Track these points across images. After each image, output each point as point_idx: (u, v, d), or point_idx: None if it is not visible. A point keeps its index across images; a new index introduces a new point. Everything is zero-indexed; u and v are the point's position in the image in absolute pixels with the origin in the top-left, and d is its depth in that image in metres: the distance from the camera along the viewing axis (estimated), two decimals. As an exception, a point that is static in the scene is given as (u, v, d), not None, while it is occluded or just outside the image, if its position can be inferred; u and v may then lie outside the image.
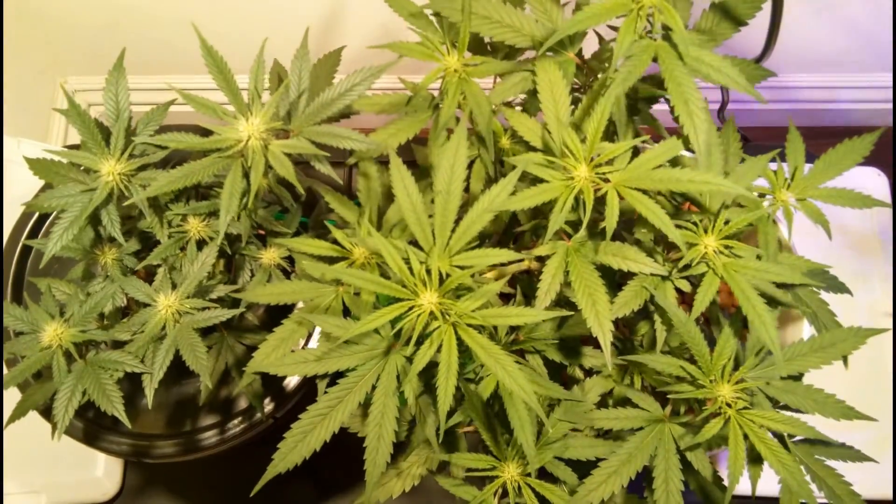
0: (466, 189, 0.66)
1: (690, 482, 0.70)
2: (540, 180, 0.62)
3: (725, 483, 0.68)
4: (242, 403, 0.91)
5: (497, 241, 0.77)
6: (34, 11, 1.20)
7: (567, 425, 0.70)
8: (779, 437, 0.66)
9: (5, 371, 0.72)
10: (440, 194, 0.64)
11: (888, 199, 1.14)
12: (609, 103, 0.61)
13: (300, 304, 0.87)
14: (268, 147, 0.67)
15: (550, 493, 0.67)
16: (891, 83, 1.28)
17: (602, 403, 0.73)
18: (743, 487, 0.64)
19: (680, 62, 0.60)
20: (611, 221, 0.60)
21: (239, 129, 0.67)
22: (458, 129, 0.64)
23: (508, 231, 0.77)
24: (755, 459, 0.66)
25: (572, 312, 0.63)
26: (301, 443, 0.65)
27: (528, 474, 0.68)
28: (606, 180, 0.62)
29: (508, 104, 0.74)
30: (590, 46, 0.73)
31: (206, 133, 0.68)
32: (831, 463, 0.68)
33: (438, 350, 0.59)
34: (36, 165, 0.71)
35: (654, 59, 0.61)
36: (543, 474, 0.69)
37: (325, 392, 0.67)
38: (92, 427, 0.88)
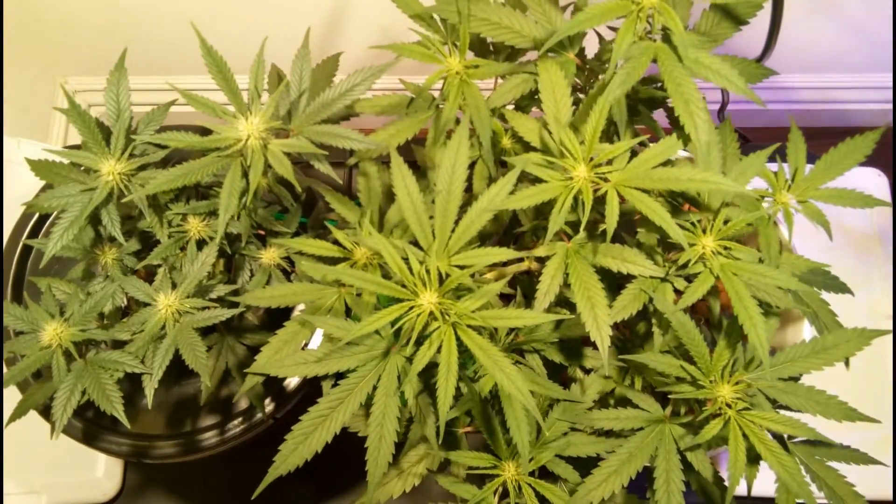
0: (468, 189, 0.66)
1: (692, 482, 0.70)
2: (540, 180, 0.63)
3: (726, 483, 0.68)
4: (243, 404, 0.91)
5: (497, 241, 0.77)
6: (34, 12, 1.20)
7: (566, 424, 0.70)
8: (778, 437, 0.67)
9: (5, 370, 0.72)
10: (441, 194, 0.64)
11: (888, 199, 1.14)
12: (607, 104, 0.61)
13: (301, 306, 0.87)
14: (267, 146, 0.67)
15: (550, 493, 0.67)
16: (891, 83, 1.28)
17: (603, 403, 0.73)
18: (743, 488, 0.64)
19: (679, 63, 0.60)
20: (611, 221, 0.61)
21: (238, 129, 0.67)
22: (459, 129, 0.64)
23: (509, 232, 0.77)
24: (753, 460, 0.66)
25: (572, 315, 0.63)
26: (302, 444, 0.65)
27: (532, 473, 0.68)
28: (606, 180, 0.62)
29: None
30: (591, 47, 0.74)
31: (206, 133, 0.68)
32: (832, 464, 0.68)
33: (438, 350, 0.59)
34: (37, 166, 0.71)
35: (654, 60, 0.61)
36: (544, 473, 0.69)
37: (327, 393, 0.67)
38: (91, 427, 0.88)
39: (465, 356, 0.61)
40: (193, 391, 0.91)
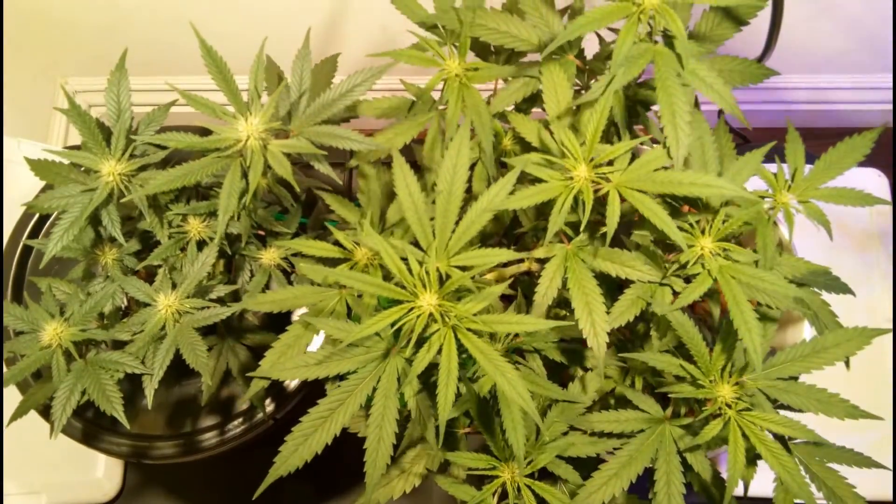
0: (468, 191, 0.66)
1: (693, 483, 0.70)
2: (540, 181, 0.63)
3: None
4: (242, 404, 0.91)
5: (498, 242, 0.77)
6: (34, 12, 1.20)
7: (565, 424, 0.69)
8: (779, 438, 0.66)
9: (5, 370, 0.72)
10: (442, 194, 0.64)
11: (888, 198, 1.14)
12: (607, 104, 0.61)
13: (302, 308, 0.87)
14: (267, 147, 0.67)
15: (550, 496, 0.66)
16: (890, 84, 1.28)
17: (604, 403, 0.73)
18: (740, 488, 0.64)
19: (673, 72, 0.60)
20: (612, 222, 0.61)
21: (238, 129, 0.67)
22: (460, 130, 0.64)
23: (509, 233, 0.76)
24: (752, 460, 0.66)
25: (571, 323, 0.63)
26: (302, 446, 0.65)
27: (532, 475, 0.68)
28: (607, 180, 0.62)
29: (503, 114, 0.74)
30: (591, 47, 0.74)
31: (205, 133, 0.68)
32: (833, 465, 0.68)
33: (438, 352, 0.59)
34: (37, 166, 0.71)
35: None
36: (544, 473, 0.69)
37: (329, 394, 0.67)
38: (91, 427, 0.88)
39: (464, 357, 0.61)
40: (193, 391, 0.91)
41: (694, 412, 0.68)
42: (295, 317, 0.90)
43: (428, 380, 0.69)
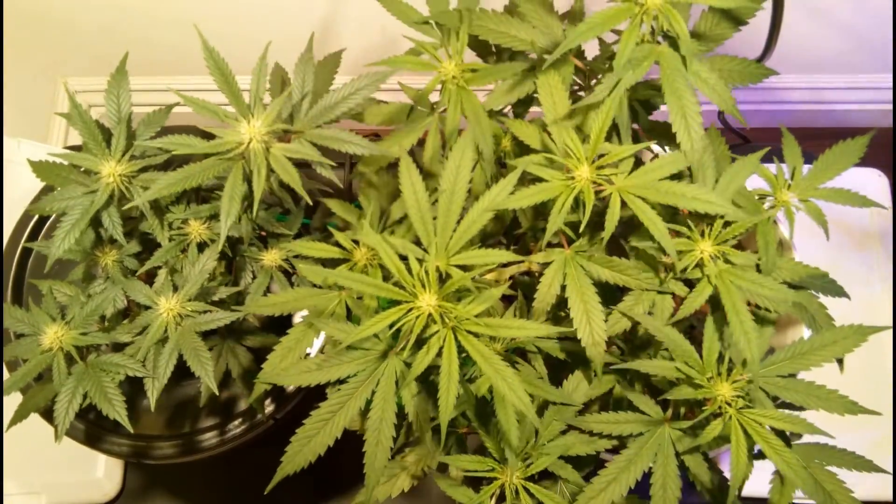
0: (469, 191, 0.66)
1: (696, 483, 0.69)
2: (540, 180, 0.62)
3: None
4: (242, 405, 0.91)
5: (497, 242, 0.77)
6: (34, 12, 1.20)
7: (563, 424, 0.69)
8: (779, 434, 0.66)
9: (6, 375, 0.72)
10: (444, 193, 0.64)
11: (889, 200, 1.14)
12: (613, 105, 0.61)
13: (304, 311, 0.87)
14: (270, 150, 0.67)
15: (549, 499, 0.66)
16: (890, 84, 1.28)
17: (603, 403, 0.72)
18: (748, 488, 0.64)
19: (681, 73, 0.61)
20: (610, 223, 0.61)
21: (240, 132, 0.66)
22: (465, 133, 0.64)
23: (509, 233, 0.76)
24: (754, 458, 0.66)
25: (571, 329, 0.63)
26: (306, 447, 0.66)
27: (531, 477, 0.67)
28: (609, 182, 0.62)
29: (502, 112, 0.75)
30: (592, 48, 0.73)
31: (207, 135, 0.68)
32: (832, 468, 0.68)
33: (438, 355, 0.59)
34: (38, 168, 0.71)
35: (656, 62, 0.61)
36: (544, 473, 0.68)
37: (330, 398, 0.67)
38: (93, 428, 0.88)
39: (463, 356, 0.61)
40: (193, 392, 0.91)
41: (694, 413, 0.68)
42: (297, 319, 0.90)
43: (426, 380, 0.69)
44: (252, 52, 0.69)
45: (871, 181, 1.14)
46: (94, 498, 1.15)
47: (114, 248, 0.78)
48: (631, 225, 0.68)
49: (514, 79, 0.70)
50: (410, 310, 0.59)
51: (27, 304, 0.73)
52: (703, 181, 0.66)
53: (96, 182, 0.71)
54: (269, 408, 0.88)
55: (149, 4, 1.17)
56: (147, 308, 0.73)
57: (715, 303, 0.65)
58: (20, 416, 0.72)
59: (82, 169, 0.72)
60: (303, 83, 0.75)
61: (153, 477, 1.21)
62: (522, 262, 0.70)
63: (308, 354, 0.73)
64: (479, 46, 0.75)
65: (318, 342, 0.79)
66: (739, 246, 0.65)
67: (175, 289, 0.73)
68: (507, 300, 0.75)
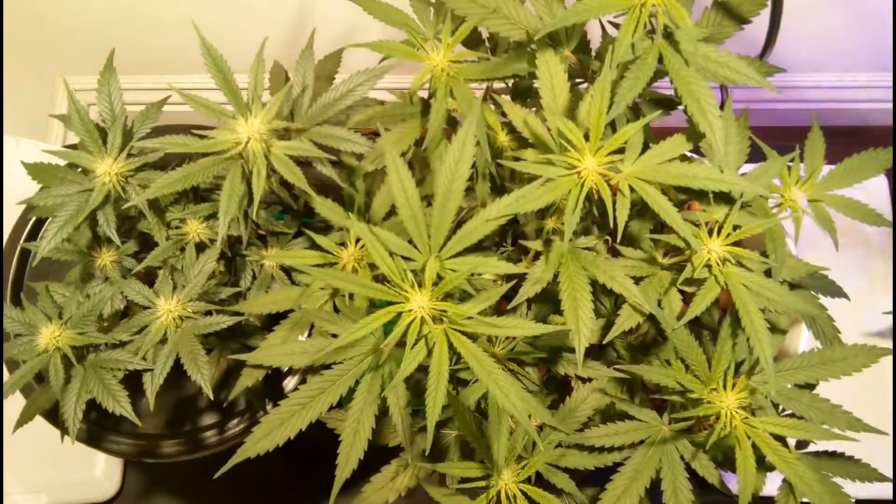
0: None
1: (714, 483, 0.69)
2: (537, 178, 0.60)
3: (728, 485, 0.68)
4: (242, 403, 0.91)
5: (494, 242, 0.76)
6: (34, 12, 1.19)
7: (559, 436, 0.68)
8: (782, 441, 0.65)
9: (6, 376, 0.71)
10: (440, 190, 0.61)
11: (888, 199, 1.14)
12: (608, 80, 0.57)
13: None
14: (270, 149, 0.66)
15: (547, 502, 0.65)
16: (891, 83, 1.27)
17: (605, 415, 0.71)
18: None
19: (683, 62, 0.59)
20: (622, 215, 0.58)
21: (238, 131, 0.65)
22: (465, 124, 0.61)
23: (507, 231, 0.75)
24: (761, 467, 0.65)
25: (569, 328, 0.61)
26: (277, 429, 0.65)
27: (528, 480, 0.66)
28: (617, 171, 0.59)
29: (497, 93, 0.72)
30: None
31: (204, 136, 0.67)
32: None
33: (428, 355, 0.57)
34: (34, 170, 0.71)
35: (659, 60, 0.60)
36: (540, 483, 0.67)
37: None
38: (95, 428, 0.88)
39: (457, 363, 0.60)
40: (193, 391, 0.91)
41: (700, 419, 0.67)
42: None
43: (415, 385, 0.67)
44: (251, 51, 0.68)
45: (871, 181, 1.14)
46: (94, 497, 1.15)
47: (111, 248, 0.78)
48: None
49: (506, 56, 0.68)
50: (401, 314, 0.56)
51: (22, 304, 0.72)
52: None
53: (92, 181, 0.70)
54: (269, 406, 0.88)
55: (149, 4, 1.17)
56: (146, 308, 0.72)
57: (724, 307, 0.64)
58: (25, 418, 0.72)
59: (79, 169, 0.72)
60: (303, 79, 0.74)
61: (152, 476, 1.21)
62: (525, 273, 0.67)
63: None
64: (470, 40, 0.73)
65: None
66: (740, 244, 0.64)
67: (174, 288, 0.73)
68: (505, 300, 0.74)
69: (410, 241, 0.61)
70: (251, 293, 0.80)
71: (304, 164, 0.71)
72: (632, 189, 0.59)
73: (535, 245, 0.66)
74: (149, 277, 0.76)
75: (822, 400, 0.65)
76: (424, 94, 0.71)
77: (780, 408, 0.67)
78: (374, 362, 0.65)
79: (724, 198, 0.65)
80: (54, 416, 0.79)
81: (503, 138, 0.71)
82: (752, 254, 0.63)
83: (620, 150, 0.60)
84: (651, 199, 0.58)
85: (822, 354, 0.66)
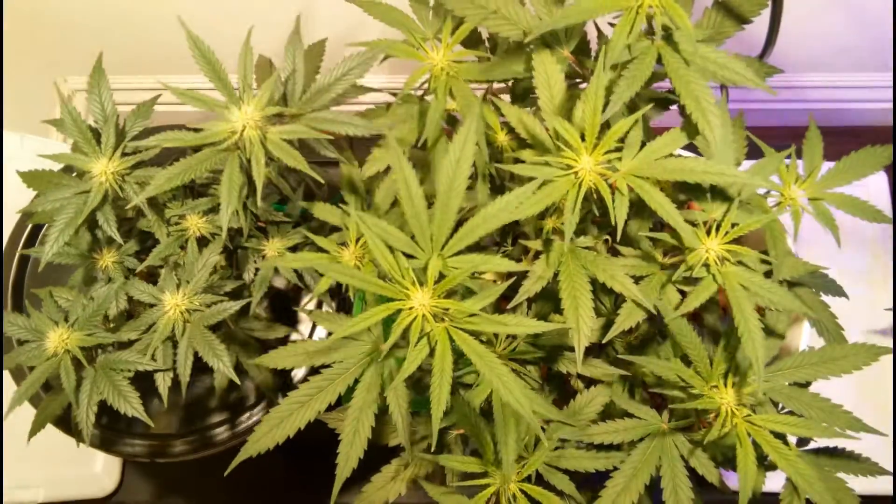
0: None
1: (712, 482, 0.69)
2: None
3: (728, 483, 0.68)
4: (252, 398, 0.91)
5: (493, 241, 0.76)
6: (34, 11, 1.20)
7: (562, 434, 0.68)
8: (782, 439, 0.66)
9: (14, 388, 0.72)
10: (442, 187, 0.60)
11: (888, 198, 1.13)
12: (603, 78, 0.57)
13: (310, 305, 0.88)
14: (266, 136, 0.66)
15: (547, 500, 0.65)
16: (891, 83, 1.27)
17: (605, 413, 0.71)
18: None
19: (683, 62, 0.59)
20: (621, 214, 0.58)
21: (232, 119, 0.65)
22: (465, 122, 0.60)
23: (506, 230, 0.75)
24: (761, 464, 0.65)
25: (569, 326, 0.61)
26: (277, 427, 0.65)
27: (528, 479, 0.66)
28: (614, 170, 0.59)
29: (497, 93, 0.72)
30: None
31: (199, 131, 0.66)
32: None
33: (430, 354, 0.57)
34: (28, 177, 0.71)
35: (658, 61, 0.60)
36: (540, 483, 0.67)
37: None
38: (107, 432, 0.89)
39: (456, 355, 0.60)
40: (201, 389, 0.91)
41: (699, 416, 0.67)
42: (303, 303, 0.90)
43: (415, 384, 0.68)
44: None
45: (871, 179, 1.14)
46: (93, 493, 1.16)
47: (112, 249, 0.78)
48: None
49: (505, 56, 0.67)
50: (400, 310, 0.56)
51: (27, 310, 0.72)
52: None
53: (88, 182, 0.70)
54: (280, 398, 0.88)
55: (148, 4, 1.17)
56: (150, 306, 0.72)
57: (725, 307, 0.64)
58: (37, 426, 0.72)
59: (74, 174, 0.72)
60: (293, 65, 0.73)
61: (151, 472, 1.21)
62: (526, 272, 0.67)
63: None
64: (469, 40, 0.72)
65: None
66: (739, 241, 0.63)
67: (178, 284, 0.73)
68: (504, 299, 0.74)
69: (413, 238, 0.60)
70: (255, 286, 0.80)
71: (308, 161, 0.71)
72: (630, 189, 0.59)
73: (536, 245, 0.66)
74: (151, 277, 0.76)
75: (823, 399, 0.65)
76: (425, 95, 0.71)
77: (780, 406, 0.66)
78: (374, 360, 0.65)
79: (722, 195, 0.65)
80: (65, 422, 0.80)
81: (503, 138, 0.71)
82: (752, 252, 0.63)
83: (618, 149, 0.60)
84: (648, 196, 0.58)
85: (822, 353, 0.66)
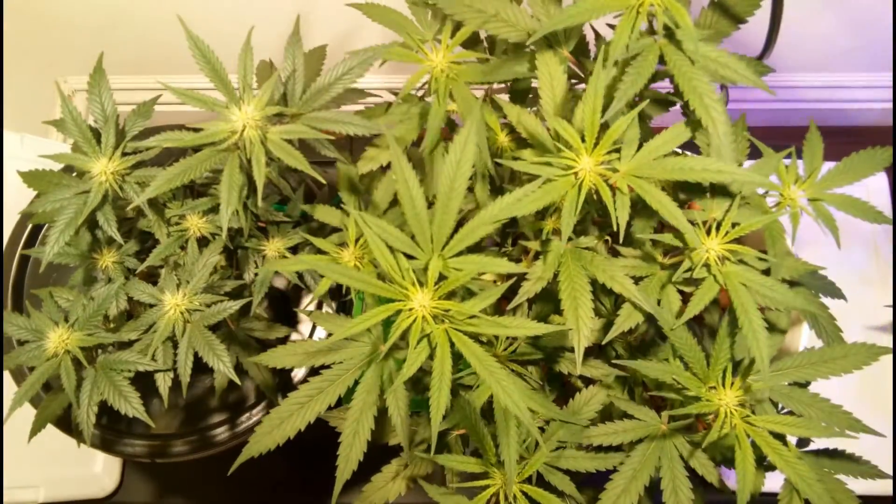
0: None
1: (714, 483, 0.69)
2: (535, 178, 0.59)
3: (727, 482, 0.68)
4: (252, 397, 0.91)
5: (495, 242, 0.76)
6: (34, 11, 1.20)
7: (562, 435, 0.68)
8: (782, 440, 0.66)
9: (15, 388, 0.72)
10: (443, 189, 0.60)
11: (888, 198, 1.13)
12: (600, 87, 0.57)
13: (311, 306, 0.87)
14: (266, 136, 0.66)
15: (547, 501, 0.65)
16: (891, 83, 1.27)
17: (605, 414, 0.72)
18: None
19: (688, 59, 0.58)
20: (622, 215, 0.58)
21: (232, 119, 0.65)
22: (466, 124, 0.60)
23: (506, 231, 0.75)
24: (760, 465, 0.65)
25: (569, 328, 0.61)
26: (277, 428, 0.65)
27: (528, 479, 0.66)
28: (614, 171, 0.59)
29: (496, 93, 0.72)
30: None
31: (198, 131, 0.66)
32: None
33: (430, 357, 0.57)
34: (29, 178, 0.71)
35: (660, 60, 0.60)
36: (540, 484, 0.67)
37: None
38: (107, 433, 0.89)
39: (455, 357, 0.60)
40: (201, 390, 0.91)
41: (699, 417, 0.67)
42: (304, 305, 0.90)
43: (414, 385, 0.68)
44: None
45: (871, 179, 1.14)
46: (93, 492, 1.16)
47: (112, 249, 0.78)
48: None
49: (505, 58, 0.67)
50: (400, 311, 0.56)
51: (27, 310, 0.72)
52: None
53: (88, 182, 0.70)
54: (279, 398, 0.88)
55: (148, 4, 1.17)
56: (150, 306, 0.73)
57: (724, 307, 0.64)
58: (38, 426, 0.72)
59: (74, 174, 0.72)
60: (293, 65, 0.73)
61: (151, 472, 1.21)
62: (525, 273, 0.67)
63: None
64: (468, 42, 0.71)
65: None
66: (740, 241, 0.63)
67: (178, 284, 0.73)
68: (506, 301, 0.75)
69: (413, 238, 0.60)
70: (255, 286, 0.80)
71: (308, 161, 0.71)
72: (631, 189, 0.59)
73: (535, 245, 0.66)
74: (151, 277, 0.76)
75: (823, 400, 0.65)
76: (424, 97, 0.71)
77: (780, 406, 0.67)
78: (374, 361, 0.65)
79: (723, 193, 0.65)
80: (65, 422, 0.80)
81: (503, 139, 0.71)
82: (752, 251, 0.63)
83: (618, 150, 0.59)
84: (648, 195, 0.58)
85: (822, 352, 0.66)
